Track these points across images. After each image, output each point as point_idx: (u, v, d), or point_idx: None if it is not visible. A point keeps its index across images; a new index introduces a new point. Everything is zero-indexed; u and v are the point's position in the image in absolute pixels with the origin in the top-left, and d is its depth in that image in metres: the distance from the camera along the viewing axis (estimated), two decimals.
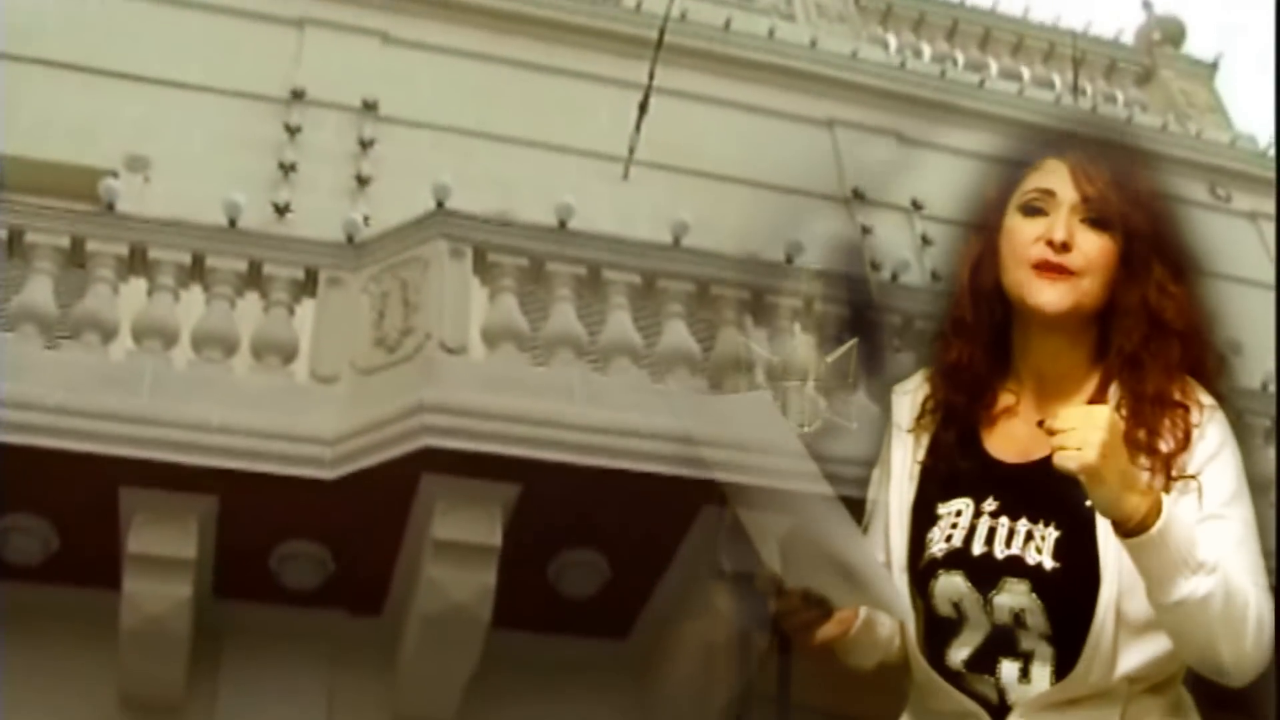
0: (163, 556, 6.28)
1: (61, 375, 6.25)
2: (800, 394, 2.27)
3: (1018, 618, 2.05)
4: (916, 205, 9.95)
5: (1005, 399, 2.19)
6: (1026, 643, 2.06)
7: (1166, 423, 2.06)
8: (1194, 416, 2.08)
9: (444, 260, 6.76)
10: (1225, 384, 2.15)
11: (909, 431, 2.25)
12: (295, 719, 6.88)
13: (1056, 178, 2.14)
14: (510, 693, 6.96)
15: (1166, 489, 2.01)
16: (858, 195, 10.02)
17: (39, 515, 6.42)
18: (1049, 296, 2.09)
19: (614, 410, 6.39)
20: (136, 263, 6.79)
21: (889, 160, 10.18)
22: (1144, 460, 2.04)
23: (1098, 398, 2.11)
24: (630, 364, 6.74)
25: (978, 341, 2.19)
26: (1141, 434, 2.05)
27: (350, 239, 7.06)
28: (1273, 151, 11.76)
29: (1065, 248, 2.09)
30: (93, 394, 6.18)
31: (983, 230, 2.22)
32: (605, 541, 6.67)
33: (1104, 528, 2.01)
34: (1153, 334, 2.10)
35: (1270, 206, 10.25)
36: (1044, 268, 2.10)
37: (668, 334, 6.95)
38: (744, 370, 6.78)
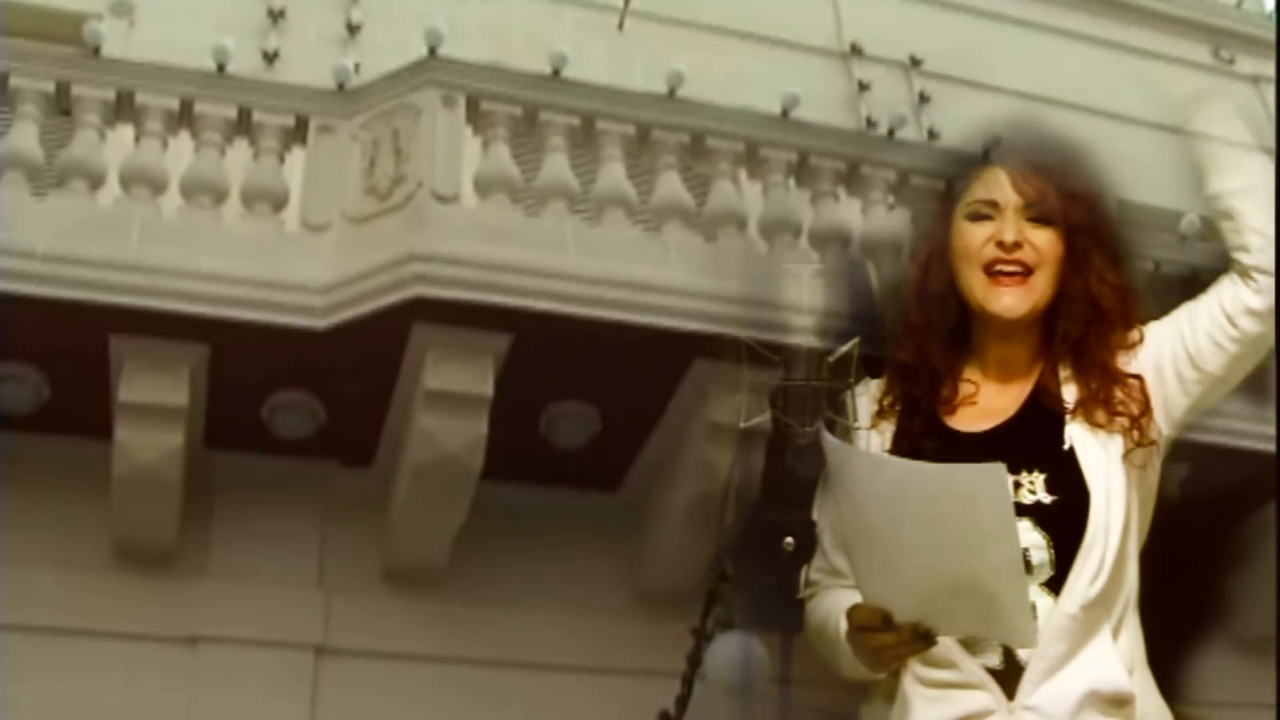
0: (153, 405, 6.27)
1: (49, 223, 6.18)
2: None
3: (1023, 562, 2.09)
4: (915, 61, 9.83)
5: (965, 389, 2.31)
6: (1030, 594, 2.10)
7: (1119, 394, 2.21)
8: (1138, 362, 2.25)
9: (436, 108, 6.66)
10: None
11: (869, 429, 2.34)
12: (286, 568, 6.95)
13: (997, 185, 2.29)
14: (500, 543, 7.02)
15: (1138, 458, 2.18)
16: (855, 50, 9.88)
17: (30, 364, 6.39)
18: (1007, 303, 2.25)
19: (606, 261, 6.35)
20: (124, 109, 6.68)
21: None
22: (1104, 422, 2.19)
23: (1047, 377, 2.28)
24: (623, 215, 6.69)
25: (931, 340, 2.31)
26: (1100, 411, 2.20)
27: (341, 86, 6.95)
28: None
29: (1017, 245, 2.25)
30: (81, 241, 6.12)
31: (931, 237, 2.37)
32: (597, 393, 6.67)
33: (1085, 460, 2.17)
34: (1095, 319, 2.26)
35: (1274, 70, 10.11)
36: (998, 272, 2.25)
37: (661, 186, 6.88)
38: (737, 223, 6.78)
